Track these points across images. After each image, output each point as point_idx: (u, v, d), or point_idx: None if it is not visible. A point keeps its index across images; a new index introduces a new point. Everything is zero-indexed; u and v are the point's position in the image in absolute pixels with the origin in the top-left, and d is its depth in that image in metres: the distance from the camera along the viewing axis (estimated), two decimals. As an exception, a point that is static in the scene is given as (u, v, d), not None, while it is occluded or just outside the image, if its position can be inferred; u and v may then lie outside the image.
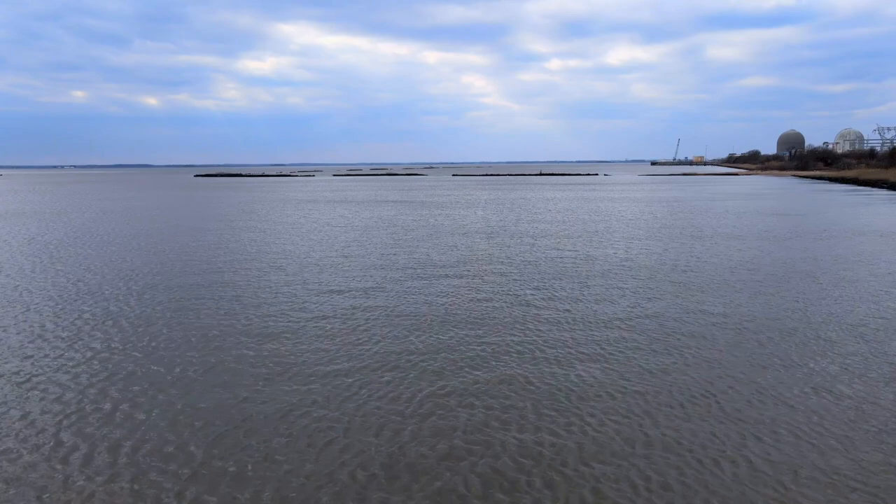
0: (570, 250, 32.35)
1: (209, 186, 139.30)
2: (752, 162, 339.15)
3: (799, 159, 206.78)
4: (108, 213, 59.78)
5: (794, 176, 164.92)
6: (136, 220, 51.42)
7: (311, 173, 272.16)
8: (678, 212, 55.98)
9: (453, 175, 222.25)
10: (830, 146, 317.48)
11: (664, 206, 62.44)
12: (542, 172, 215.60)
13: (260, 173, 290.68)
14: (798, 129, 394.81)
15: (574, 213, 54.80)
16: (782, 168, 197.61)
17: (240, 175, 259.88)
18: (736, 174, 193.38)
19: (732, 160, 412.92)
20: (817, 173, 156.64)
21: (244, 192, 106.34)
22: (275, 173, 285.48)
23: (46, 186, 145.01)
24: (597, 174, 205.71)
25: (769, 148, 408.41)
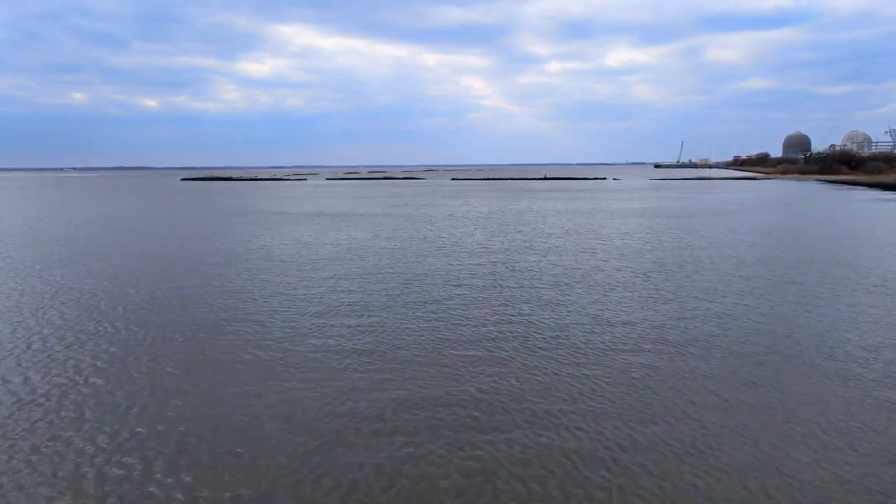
0: (625, 322, 19.76)
1: (186, 192, 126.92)
2: (762, 164, 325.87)
3: (821, 162, 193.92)
4: (8, 227, 47.30)
5: (819, 180, 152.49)
6: (27, 243, 38.82)
7: (304, 176, 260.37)
8: (734, 232, 43.40)
9: (452, 179, 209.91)
10: (838, 148, 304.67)
11: (711, 225, 49.82)
12: (547, 176, 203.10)
13: (252, 176, 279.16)
14: (800, 131, 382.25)
15: (600, 237, 42.23)
16: (803, 172, 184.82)
17: (229, 178, 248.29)
18: (753, 178, 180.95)
19: (739, 162, 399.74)
20: (847, 177, 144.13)
21: (217, 199, 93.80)
22: (267, 176, 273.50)
23: (9, 192, 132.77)
24: (605, 178, 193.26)
25: (771, 149, 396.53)
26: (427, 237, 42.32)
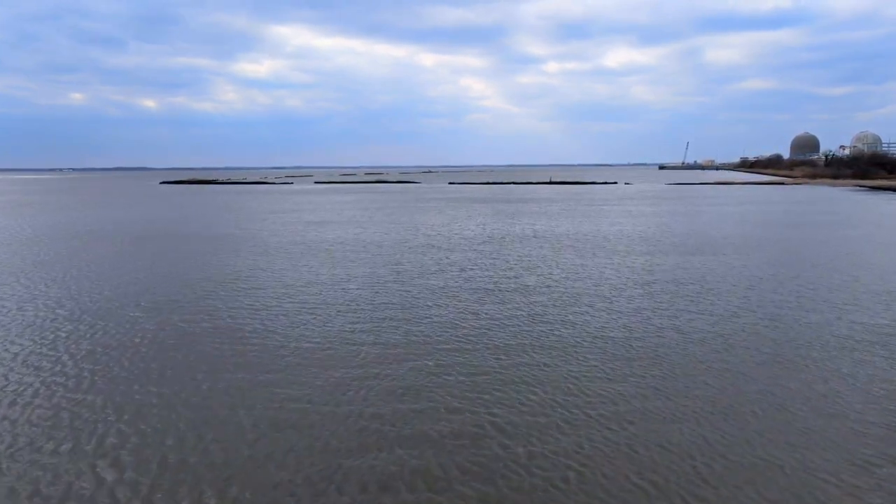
0: None
1: (152, 198, 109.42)
2: (775, 167, 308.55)
3: (851, 165, 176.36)
4: None
5: (859, 187, 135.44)
6: None
7: (292, 180, 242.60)
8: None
9: (449, 183, 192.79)
10: (847, 149, 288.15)
11: (828, 280, 33.17)
12: (553, 180, 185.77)
13: (241, 179, 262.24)
14: (799, 132, 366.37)
15: (652, 301, 25.55)
16: (835, 176, 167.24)
17: (214, 181, 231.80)
18: (780, 183, 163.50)
19: (748, 164, 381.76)
20: (893, 183, 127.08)
21: (163, 211, 76.74)
22: (255, 179, 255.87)
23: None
24: (615, 182, 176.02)
25: (775, 150, 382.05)
26: (371, 304, 25.53)
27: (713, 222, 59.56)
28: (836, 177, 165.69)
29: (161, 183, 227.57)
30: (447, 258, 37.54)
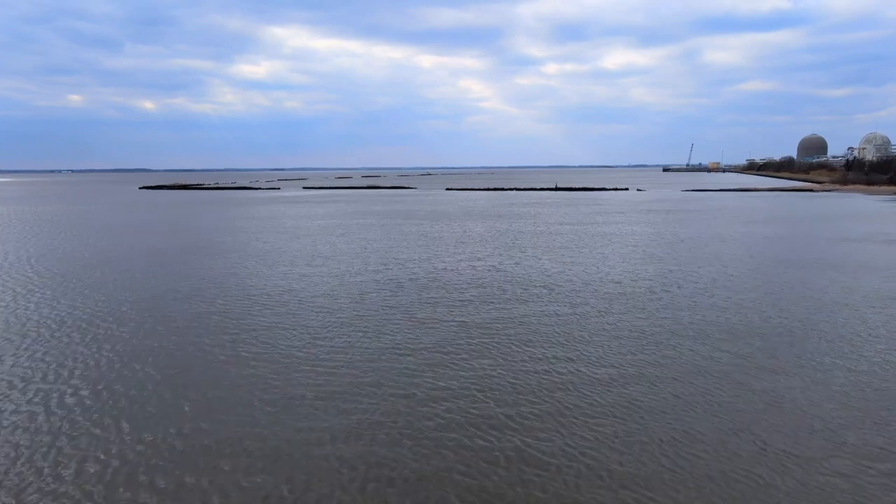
0: None
1: (103, 209, 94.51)
2: (787, 170, 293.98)
3: (885, 170, 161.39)
4: None
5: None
6: None
7: (279, 186, 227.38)
8: None
9: (447, 189, 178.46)
10: (855, 151, 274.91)
11: None
12: (559, 186, 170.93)
13: (230, 183, 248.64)
14: (802, 134, 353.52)
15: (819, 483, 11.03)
16: (869, 182, 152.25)
17: (198, 186, 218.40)
18: (810, 190, 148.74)
19: (756, 167, 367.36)
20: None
21: (77, 237, 62.28)
22: (244, 184, 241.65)
23: None
24: (626, 189, 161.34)
25: (778, 152, 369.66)
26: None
27: (797, 261, 45.07)
28: (870, 183, 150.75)
29: (140, 188, 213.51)
30: (409, 346, 23.13)
